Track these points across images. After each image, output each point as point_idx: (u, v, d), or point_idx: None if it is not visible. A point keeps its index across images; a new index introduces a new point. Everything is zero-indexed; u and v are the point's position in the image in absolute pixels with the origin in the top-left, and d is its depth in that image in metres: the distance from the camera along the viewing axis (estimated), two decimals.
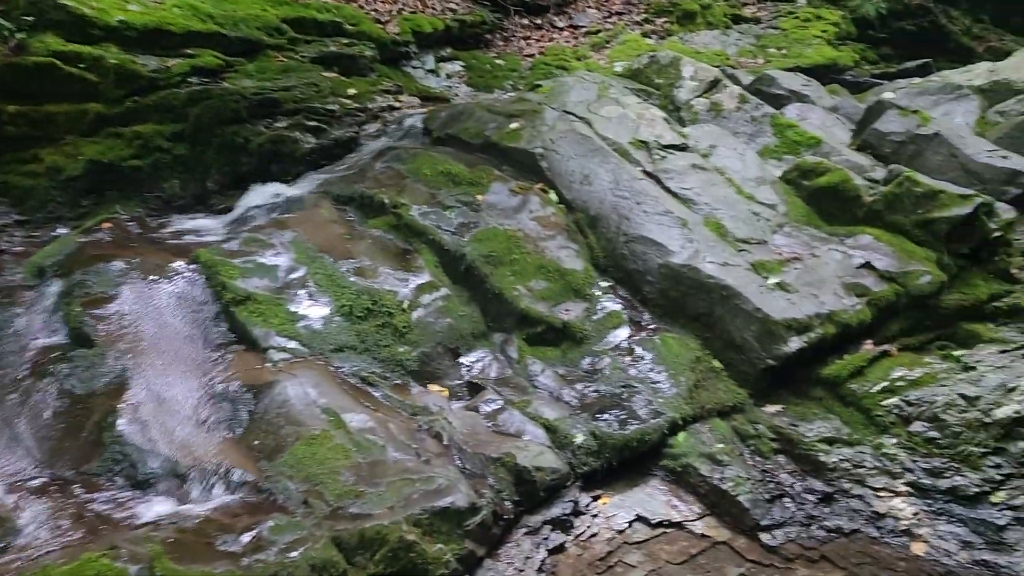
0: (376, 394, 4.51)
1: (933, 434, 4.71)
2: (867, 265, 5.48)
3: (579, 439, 4.47)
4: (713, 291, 5.15)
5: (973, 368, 5.09)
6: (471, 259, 5.19)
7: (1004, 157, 6.74)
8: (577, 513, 4.30)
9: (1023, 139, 7.32)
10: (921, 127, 6.83)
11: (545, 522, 4.13)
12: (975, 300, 5.58)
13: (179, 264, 4.86)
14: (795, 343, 4.97)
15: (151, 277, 4.75)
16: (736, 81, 8.38)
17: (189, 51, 6.30)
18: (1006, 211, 5.80)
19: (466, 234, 5.32)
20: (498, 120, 6.34)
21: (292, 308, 4.75)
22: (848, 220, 5.98)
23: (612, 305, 5.35)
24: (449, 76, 8.83)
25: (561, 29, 10.72)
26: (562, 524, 4.17)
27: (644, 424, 4.59)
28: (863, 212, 5.91)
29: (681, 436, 4.68)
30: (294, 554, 3.32)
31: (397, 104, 6.94)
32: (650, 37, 11.03)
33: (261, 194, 5.95)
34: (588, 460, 4.46)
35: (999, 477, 4.53)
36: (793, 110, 7.90)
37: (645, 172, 5.85)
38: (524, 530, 4.06)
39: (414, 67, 8.48)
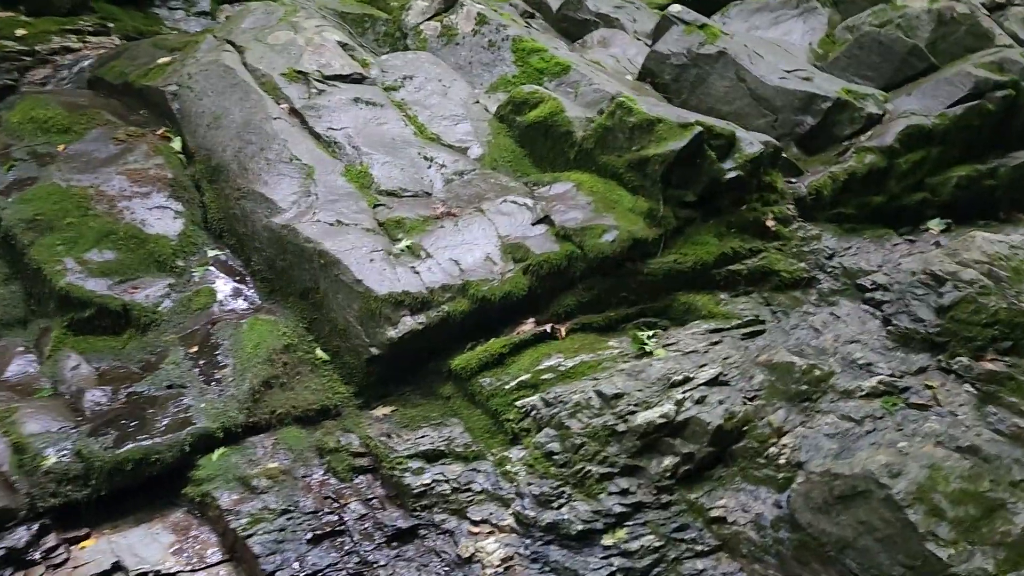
0: None
1: (554, 446, 3.46)
2: (546, 220, 4.20)
3: (51, 461, 3.35)
4: (313, 259, 3.95)
5: (650, 354, 3.80)
6: (8, 224, 4.08)
7: (806, 79, 5.33)
8: (24, 563, 3.18)
9: (862, 57, 5.89)
10: (705, 45, 5.43)
11: None
12: (697, 263, 4.25)
13: None
14: (406, 324, 3.75)
15: None
16: (542, 5, 7.06)
17: None
18: (751, 145, 4.42)
19: (13, 194, 4.19)
20: (155, 56, 5.18)
21: None
22: (562, 163, 4.68)
23: (209, 280, 4.19)
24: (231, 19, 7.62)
25: None
26: None
27: (153, 440, 3.43)
28: (575, 152, 4.60)
29: (217, 454, 3.52)
30: None
31: (77, 46, 5.81)
32: None
33: None
34: (63, 489, 3.33)
35: (622, 509, 3.26)
36: (596, 36, 6.59)
37: (292, 110, 4.64)
38: None
39: (172, 8, 7.31)
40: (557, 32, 7.09)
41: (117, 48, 5.60)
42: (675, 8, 5.76)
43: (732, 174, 4.34)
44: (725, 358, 3.73)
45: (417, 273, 3.88)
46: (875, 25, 6.14)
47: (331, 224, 4.02)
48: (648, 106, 4.43)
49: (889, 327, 4.02)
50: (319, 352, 3.95)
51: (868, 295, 4.27)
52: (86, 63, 5.69)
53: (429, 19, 5.67)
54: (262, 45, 4.98)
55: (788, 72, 5.33)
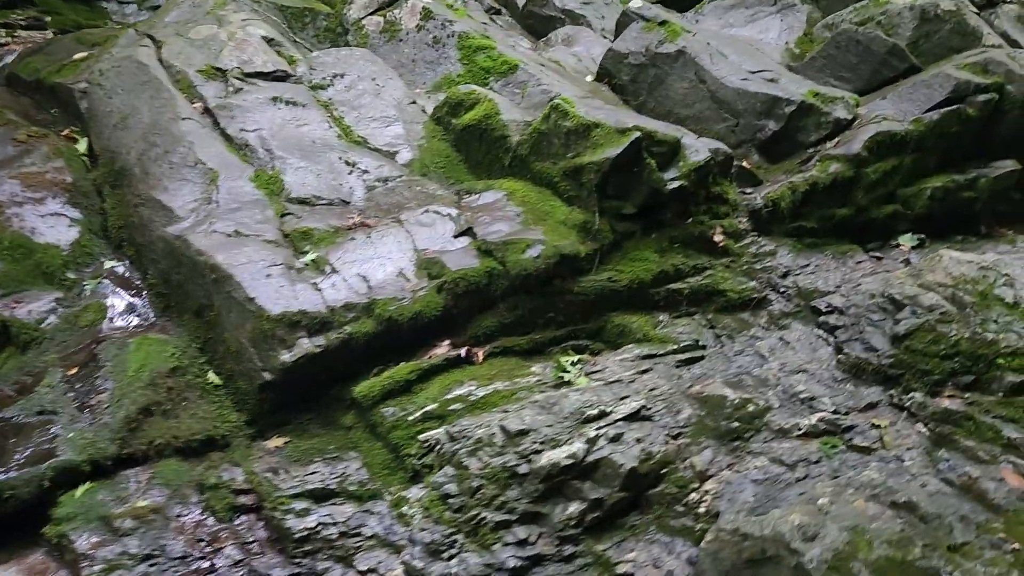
0: None
1: (451, 488, 3.11)
2: (468, 232, 3.84)
3: None
4: (206, 273, 3.61)
5: (570, 383, 3.44)
6: None
7: (771, 80, 4.93)
8: None
9: (839, 58, 5.47)
10: (664, 44, 5.06)
11: None
12: (634, 281, 3.88)
13: None
14: (302, 347, 3.41)
15: None
16: (508, 1, 6.74)
17: None
18: (696, 152, 4.04)
19: None
20: (74, 51, 4.87)
21: None
22: (498, 169, 4.33)
23: (102, 294, 3.87)
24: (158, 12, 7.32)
25: None
26: None
27: (8, 475, 3.11)
28: (510, 158, 4.25)
29: (81, 490, 3.18)
30: None
31: (5, 40, 5.52)
32: None
33: None
34: None
35: (517, 562, 2.90)
36: (561, 33, 6.27)
37: (205, 110, 4.31)
38: None
39: (123, 1, 7.02)
40: (523, 29, 6.75)
41: (40, 43, 5.29)
42: (635, 3, 5.38)
43: (675, 184, 3.97)
44: (651, 389, 3.36)
45: (319, 290, 3.54)
46: (855, 23, 5.73)
47: (229, 235, 3.68)
48: (587, 110, 4.06)
49: (841, 356, 3.64)
50: (211, 376, 3.61)
51: (822, 319, 3.89)
52: (10, 59, 5.39)
53: (372, 14, 5.33)
54: (182, 40, 4.65)
55: (752, 73, 4.94)
